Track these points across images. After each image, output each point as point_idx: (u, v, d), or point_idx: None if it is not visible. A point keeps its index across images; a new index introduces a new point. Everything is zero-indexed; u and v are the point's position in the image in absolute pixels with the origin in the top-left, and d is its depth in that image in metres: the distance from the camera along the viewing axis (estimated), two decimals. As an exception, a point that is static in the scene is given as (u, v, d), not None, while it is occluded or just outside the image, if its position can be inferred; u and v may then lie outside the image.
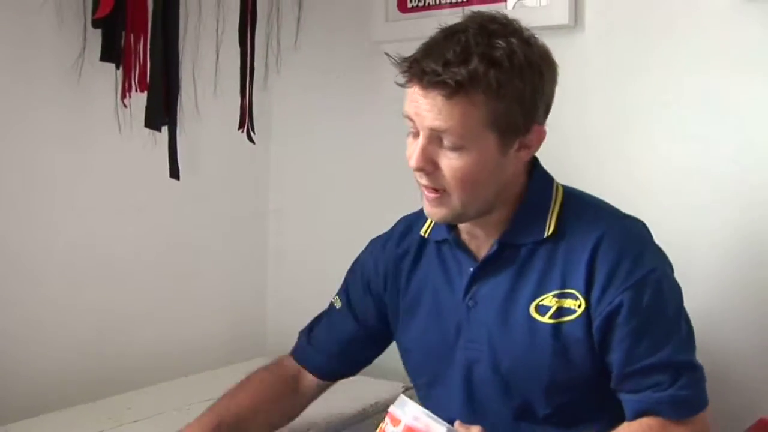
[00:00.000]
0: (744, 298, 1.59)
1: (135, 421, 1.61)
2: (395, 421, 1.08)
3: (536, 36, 1.20)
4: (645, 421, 1.19)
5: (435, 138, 1.17)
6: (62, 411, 1.66)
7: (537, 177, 1.30)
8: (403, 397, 1.10)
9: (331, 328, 1.49)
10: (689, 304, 1.25)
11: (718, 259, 1.61)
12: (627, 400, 1.22)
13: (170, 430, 1.57)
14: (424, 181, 1.21)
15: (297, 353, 1.51)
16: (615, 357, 1.20)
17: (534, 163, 1.30)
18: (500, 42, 1.15)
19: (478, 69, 1.13)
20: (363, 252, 1.50)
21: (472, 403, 1.30)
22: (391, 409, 1.10)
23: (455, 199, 1.21)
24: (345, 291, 1.49)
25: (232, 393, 1.44)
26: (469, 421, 1.16)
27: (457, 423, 1.11)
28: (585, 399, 1.25)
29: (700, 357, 1.23)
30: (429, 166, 1.19)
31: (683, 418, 1.19)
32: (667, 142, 1.65)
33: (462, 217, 1.25)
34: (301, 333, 1.53)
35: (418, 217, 1.40)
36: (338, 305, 1.49)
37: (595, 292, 1.20)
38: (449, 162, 1.18)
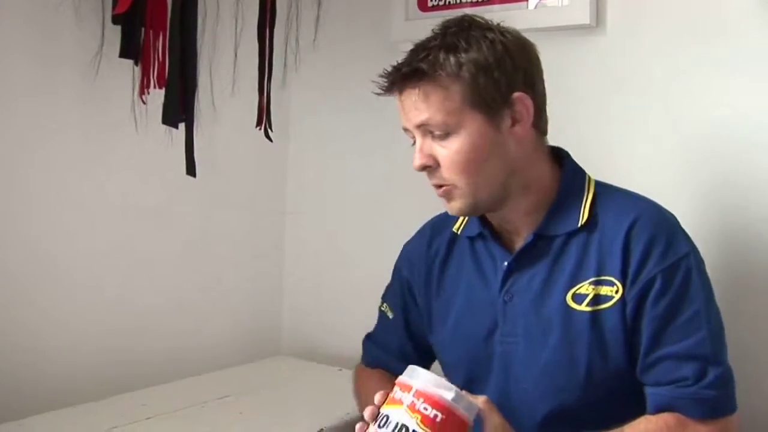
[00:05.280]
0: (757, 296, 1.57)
1: (148, 418, 1.62)
2: (406, 388, 1.08)
3: (511, 31, 1.27)
4: (664, 417, 1.18)
5: (427, 134, 1.24)
6: (77, 407, 1.66)
7: (568, 169, 1.32)
8: (412, 366, 1.11)
9: (390, 337, 1.50)
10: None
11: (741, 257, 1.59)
12: (650, 393, 1.20)
13: (184, 427, 1.58)
14: (431, 180, 1.27)
15: (371, 360, 1.52)
16: (642, 342, 1.20)
17: (563, 155, 1.34)
18: (459, 35, 1.24)
19: (437, 56, 1.22)
20: (398, 259, 1.51)
21: (509, 402, 1.28)
22: (401, 378, 1.10)
23: (463, 187, 1.24)
24: (392, 300, 1.50)
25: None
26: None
27: (464, 391, 1.10)
28: (621, 402, 1.23)
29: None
30: (430, 161, 1.25)
31: (705, 418, 1.16)
32: (689, 145, 1.63)
33: (478, 205, 1.27)
34: (365, 341, 1.55)
35: (448, 216, 1.41)
36: (390, 315, 1.50)
37: (630, 275, 1.21)
38: (443, 152, 1.24)
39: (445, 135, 1.23)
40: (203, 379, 1.93)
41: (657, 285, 1.19)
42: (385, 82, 1.26)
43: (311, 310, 2.21)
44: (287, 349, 2.23)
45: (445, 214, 1.40)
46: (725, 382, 1.18)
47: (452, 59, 1.21)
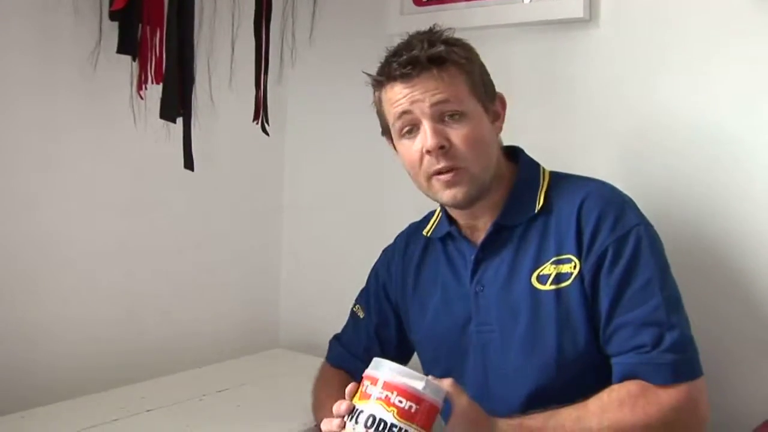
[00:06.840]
0: (745, 296, 1.58)
1: (148, 411, 1.63)
2: (373, 380, 1.10)
3: None
4: (626, 385, 1.20)
5: (438, 117, 1.28)
6: (77, 399, 1.68)
7: (523, 162, 1.40)
8: (377, 359, 1.13)
9: (359, 336, 1.53)
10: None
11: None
12: (614, 363, 1.23)
13: (183, 419, 1.59)
14: (441, 162, 1.28)
15: (334, 359, 1.55)
16: (602, 312, 1.24)
17: (518, 151, 1.41)
18: (447, 37, 1.33)
19: (446, 48, 1.29)
20: (377, 263, 1.57)
21: (489, 390, 1.32)
22: (367, 371, 1.12)
23: (473, 169, 1.29)
24: (366, 300, 1.55)
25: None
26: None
27: (430, 377, 1.12)
28: (596, 380, 1.24)
29: (704, 355, 1.23)
30: (446, 141, 1.27)
31: (667, 383, 1.18)
32: (681, 137, 1.64)
33: (481, 188, 1.31)
34: (332, 340, 1.59)
35: (421, 222, 1.50)
36: (361, 314, 1.54)
37: (584, 248, 1.26)
38: (459, 133, 1.28)
39: (460, 117, 1.28)
40: (201, 372, 1.94)
41: (609, 255, 1.24)
42: (384, 75, 1.31)
43: (308, 303, 2.22)
44: (285, 342, 2.25)
45: (419, 222, 1.50)
46: (683, 346, 1.20)
47: (457, 52, 1.29)
